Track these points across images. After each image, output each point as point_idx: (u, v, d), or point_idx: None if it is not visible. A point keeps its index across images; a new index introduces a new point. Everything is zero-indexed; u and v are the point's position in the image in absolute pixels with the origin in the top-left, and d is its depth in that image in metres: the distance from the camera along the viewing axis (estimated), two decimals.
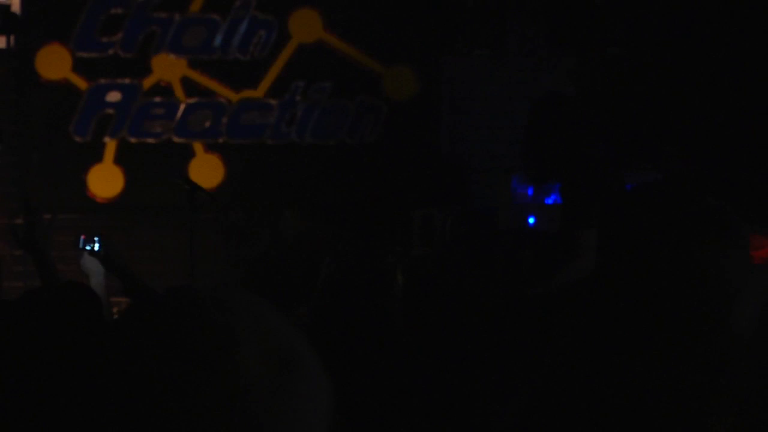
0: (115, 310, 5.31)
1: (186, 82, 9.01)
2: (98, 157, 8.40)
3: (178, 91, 8.99)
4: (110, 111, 8.76)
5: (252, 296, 1.29)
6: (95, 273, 4.59)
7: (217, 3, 8.88)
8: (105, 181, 8.37)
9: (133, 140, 8.75)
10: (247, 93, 9.08)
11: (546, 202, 8.43)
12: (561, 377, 2.40)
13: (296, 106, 9.12)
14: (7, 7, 8.23)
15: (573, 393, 2.24)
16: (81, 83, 8.68)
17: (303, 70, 9.06)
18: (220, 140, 9.02)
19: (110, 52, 8.79)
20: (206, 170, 8.78)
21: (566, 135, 5.50)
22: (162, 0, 8.74)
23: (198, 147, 9.00)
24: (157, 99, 8.94)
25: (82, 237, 4.52)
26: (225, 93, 9.04)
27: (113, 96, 8.73)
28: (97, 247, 4.52)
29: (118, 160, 8.55)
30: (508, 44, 9.08)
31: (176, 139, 8.97)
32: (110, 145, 8.61)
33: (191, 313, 1.22)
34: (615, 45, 8.95)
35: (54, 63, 8.66)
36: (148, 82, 8.89)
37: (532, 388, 2.57)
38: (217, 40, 8.98)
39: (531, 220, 8.49)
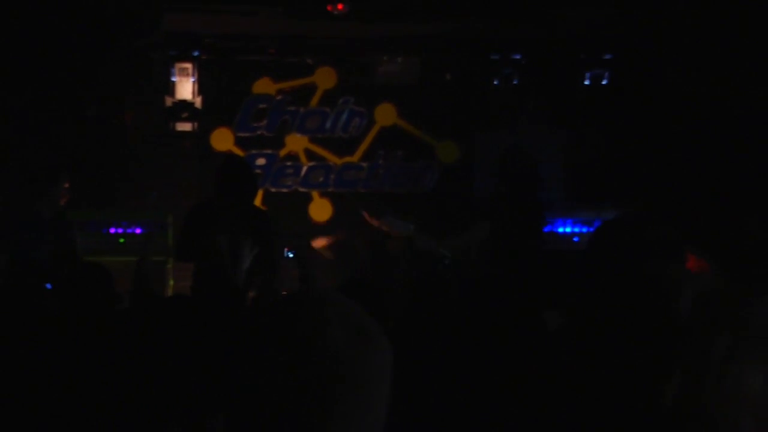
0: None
1: (308, 152, 10.95)
2: None
3: (303, 158, 10.92)
4: (259, 171, 10.43)
5: (337, 292, 1.58)
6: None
7: (328, 100, 10.86)
8: None
9: (273, 189, 10.71)
10: (347, 158, 10.97)
11: (544, 230, 9.59)
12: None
13: (380, 167, 11.01)
14: (193, 104, 10.42)
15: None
16: (240, 153, 10.71)
17: (384, 143, 10.90)
18: (330, 190, 10.92)
19: (258, 132, 10.82)
20: (321, 210, 10.88)
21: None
22: (292, 98, 10.83)
23: (315, 194, 10.94)
24: (289, 163, 10.90)
25: (286, 249, 6.54)
26: (333, 159, 10.94)
27: (260, 161, 10.66)
28: (291, 254, 6.42)
29: (264, 202, 10.24)
30: (518, 126, 10.87)
31: (301, 189, 10.91)
32: (259, 193, 10.27)
33: (305, 306, 1.53)
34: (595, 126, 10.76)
35: (222, 140, 10.69)
36: (283, 152, 10.86)
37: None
38: (328, 124, 10.90)
39: None
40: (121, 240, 9.86)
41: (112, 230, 9.92)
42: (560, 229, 10.60)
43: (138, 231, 9.90)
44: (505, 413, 3.21)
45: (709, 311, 1.28)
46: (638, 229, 2.64)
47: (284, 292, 8.08)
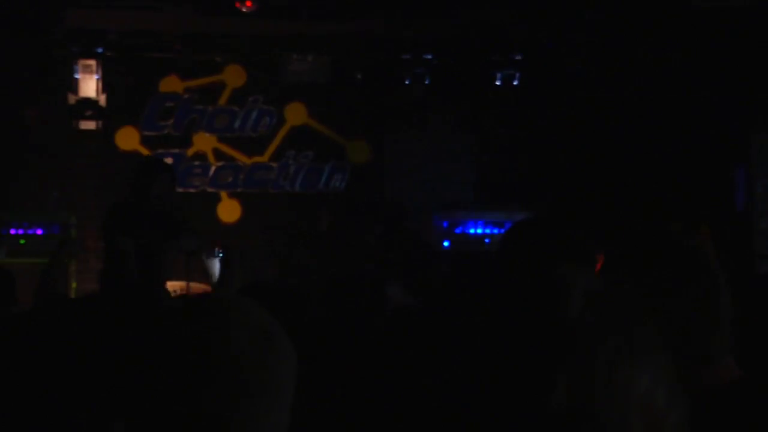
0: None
1: (216, 151, 11.08)
2: None
3: (211, 158, 11.04)
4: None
5: (242, 296, 1.67)
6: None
7: (237, 98, 10.97)
8: None
9: (181, 190, 10.21)
10: (257, 158, 11.09)
11: (455, 231, 10.55)
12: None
13: (289, 167, 11.11)
14: (96, 101, 10.30)
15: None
16: (146, 152, 10.77)
17: (294, 143, 11.06)
18: (239, 190, 11.02)
19: (165, 131, 10.88)
20: (229, 211, 10.96)
21: None
22: (200, 96, 10.92)
23: (224, 195, 11.04)
24: (197, 162, 11.00)
25: (217, 248, 6.67)
26: (242, 158, 11.05)
27: (167, 161, 9.90)
28: (221, 254, 6.63)
29: None
30: (429, 127, 11.13)
31: (209, 189, 11.03)
32: None
33: (208, 309, 1.56)
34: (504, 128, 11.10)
35: (128, 139, 10.75)
36: (190, 151, 10.98)
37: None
38: (237, 123, 11.03)
39: (445, 243, 10.57)
40: (22, 241, 9.81)
41: (12, 231, 9.84)
42: (471, 231, 10.68)
43: (39, 232, 9.81)
44: (401, 415, 3.27)
45: (598, 312, 1.24)
46: (543, 230, 2.63)
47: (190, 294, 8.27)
